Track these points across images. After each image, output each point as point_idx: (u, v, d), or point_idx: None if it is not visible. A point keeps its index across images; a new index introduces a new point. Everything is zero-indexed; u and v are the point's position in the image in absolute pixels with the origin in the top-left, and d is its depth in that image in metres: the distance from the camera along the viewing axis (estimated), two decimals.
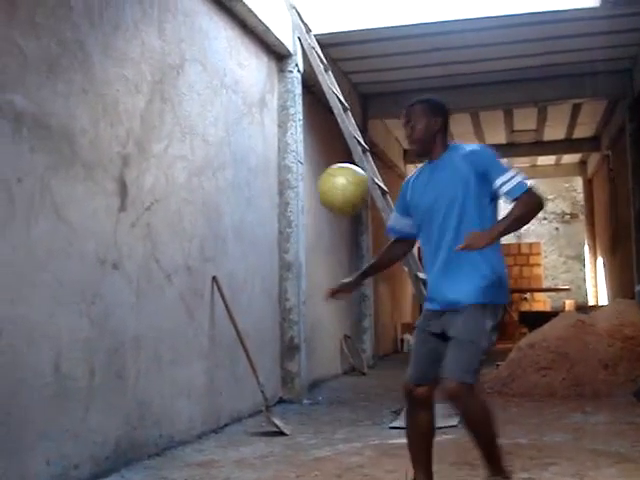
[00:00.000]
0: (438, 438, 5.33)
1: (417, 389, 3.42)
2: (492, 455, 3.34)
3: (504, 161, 3.37)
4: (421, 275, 6.77)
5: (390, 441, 5.27)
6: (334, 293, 3.79)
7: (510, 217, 3.18)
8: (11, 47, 3.62)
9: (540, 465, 4.40)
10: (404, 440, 5.27)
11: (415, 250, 6.22)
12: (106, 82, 4.43)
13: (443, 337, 3.34)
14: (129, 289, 4.61)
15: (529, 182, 3.22)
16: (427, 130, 3.45)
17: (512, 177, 3.22)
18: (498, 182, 3.23)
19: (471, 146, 3.46)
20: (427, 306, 3.50)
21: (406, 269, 6.65)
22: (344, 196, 3.59)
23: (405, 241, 3.77)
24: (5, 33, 3.59)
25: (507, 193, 3.21)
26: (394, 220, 3.71)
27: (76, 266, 4.08)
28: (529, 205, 3.20)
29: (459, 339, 3.25)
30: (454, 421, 5.96)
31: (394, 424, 5.95)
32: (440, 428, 5.70)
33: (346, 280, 3.80)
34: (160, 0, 5.09)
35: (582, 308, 15.46)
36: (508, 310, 3.13)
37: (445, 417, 6.14)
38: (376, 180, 7.03)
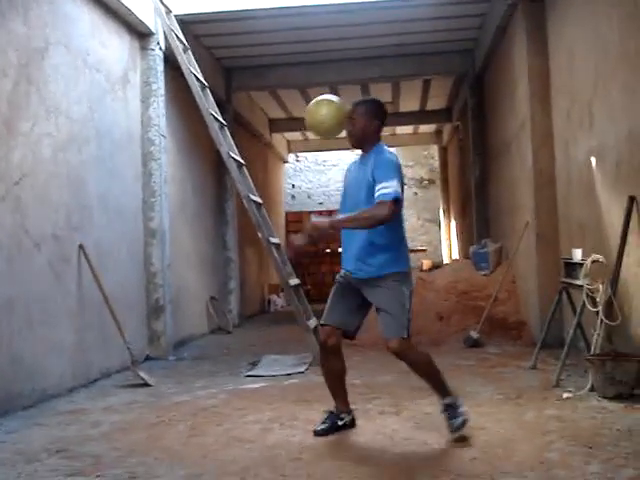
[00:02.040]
0: (285, 382, 6.15)
1: (331, 339, 4.22)
2: (440, 385, 4.20)
3: (394, 171, 3.97)
4: (273, 240, 7.48)
5: (242, 386, 6.00)
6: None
7: (352, 215, 3.93)
8: None
9: (366, 399, 5.23)
10: (254, 385, 6.10)
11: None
12: None
13: (359, 294, 4.16)
14: (0, 257, 5.05)
15: (390, 197, 3.82)
16: (364, 130, 4.13)
17: (383, 187, 3.86)
18: (376, 189, 3.90)
19: (383, 153, 4.07)
20: (345, 268, 4.21)
21: (259, 234, 7.31)
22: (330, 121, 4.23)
23: None
24: None
25: (375, 197, 3.89)
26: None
27: None
28: (369, 213, 3.86)
29: (385, 308, 4.06)
30: (302, 368, 6.77)
31: (249, 373, 6.67)
32: (289, 374, 6.54)
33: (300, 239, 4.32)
34: None
35: (437, 267, 16.63)
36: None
37: (294, 365, 6.97)
38: (232, 154, 7.62)
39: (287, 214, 18.73)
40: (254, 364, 7.18)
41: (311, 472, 3.53)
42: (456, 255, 17.26)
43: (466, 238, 15.08)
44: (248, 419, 4.74)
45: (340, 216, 4.09)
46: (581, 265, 5.62)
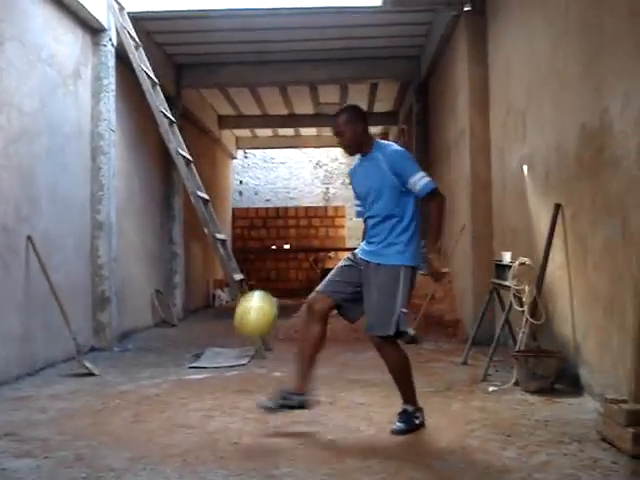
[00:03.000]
0: (227, 374, 6.36)
1: (318, 304, 4.28)
2: (407, 390, 4.35)
3: (412, 161, 4.27)
4: (219, 236, 7.68)
5: (186, 377, 6.20)
6: None
7: (432, 233, 4.18)
8: None
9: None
10: (197, 376, 6.29)
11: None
12: None
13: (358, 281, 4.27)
14: None
15: (433, 183, 4.17)
16: (353, 136, 4.32)
17: (420, 178, 4.13)
18: (410, 183, 4.12)
19: (391, 148, 4.30)
20: (360, 255, 4.31)
21: (206, 230, 7.51)
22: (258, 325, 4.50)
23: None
24: None
25: (417, 193, 4.14)
26: (355, 206, 4.56)
27: None
28: (438, 211, 4.15)
29: (371, 299, 4.18)
30: (244, 360, 7.00)
31: (193, 364, 6.87)
32: (232, 366, 6.75)
33: None
34: None
35: None
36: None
37: (237, 358, 7.19)
38: (180, 151, 7.80)
39: (234, 210, 18.88)
40: (198, 356, 7.37)
41: (249, 455, 3.77)
42: None
43: None
44: (190, 407, 4.95)
45: (430, 240, 4.22)
46: (510, 267, 5.97)
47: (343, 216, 19.01)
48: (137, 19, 9.03)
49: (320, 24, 10.02)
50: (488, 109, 7.96)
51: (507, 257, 6.22)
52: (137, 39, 8.33)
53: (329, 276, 4.41)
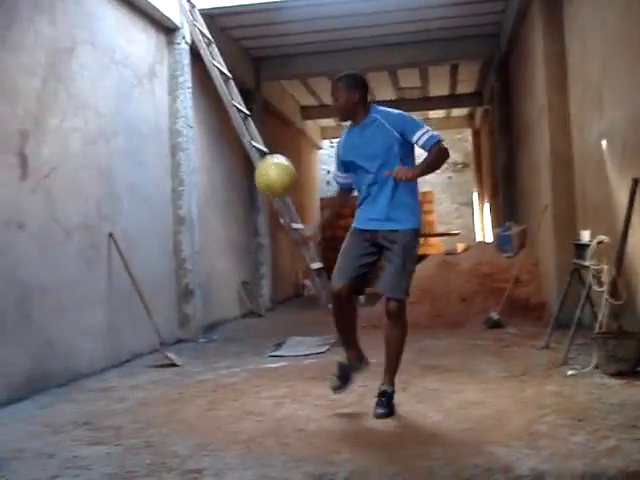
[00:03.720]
0: (305, 362, 6.42)
1: (340, 288, 4.39)
2: (395, 368, 4.49)
3: (418, 119, 4.43)
4: (296, 226, 7.74)
5: (264, 366, 6.30)
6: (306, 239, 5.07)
7: (425, 162, 4.27)
8: None
9: (378, 377, 5.44)
10: (275, 365, 6.36)
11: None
12: (3, 69, 5.17)
13: (371, 250, 4.40)
14: (33, 245, 5.41)
15: (439, 136, 4.28)
16: (347, 102, 4.40)
17: (425, 132, 4.26)
18: (416, 137, 4.27)
19: (390, 110, 4.40)
20: (363, 226, 4.43)
21: (282, 220, 7.58)
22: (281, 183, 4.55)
23: (348, 191, 4.73)
24: None
25: (422, 145, 4.27)
26: (337, 178, 4.70)
27: None
28: (438, 154, 4.24)
29: (395, 265, 4.31)
30: (323, 349, 7.05)
31: (272, 353, 6.96)
32: (311, 355, 6.81)
33: (312, 229, 5.07)
34: None
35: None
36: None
37: (317, 346, 7.24)
38: (254, 143, 7.90)
39: (322, 200, 18.93)
40: (279, 345, 7.47)
41: (312, 441, 3.80)
42: (490, 238, 17.33)
43: (497, 221, 15.16)
44: (263, 395, 5.03)
45: (418, 166, 4.31)
46: (589, 246, 5.77)
47: (431, 201, 18.77)
48: (211, 16, 9.19)
49: (393, 7, 9.91)
50: (566, 85, 7.69)
51: (586, 236, 6.02)
52: (209, 35, 8.46)
53: (338, 263, 4.48)
